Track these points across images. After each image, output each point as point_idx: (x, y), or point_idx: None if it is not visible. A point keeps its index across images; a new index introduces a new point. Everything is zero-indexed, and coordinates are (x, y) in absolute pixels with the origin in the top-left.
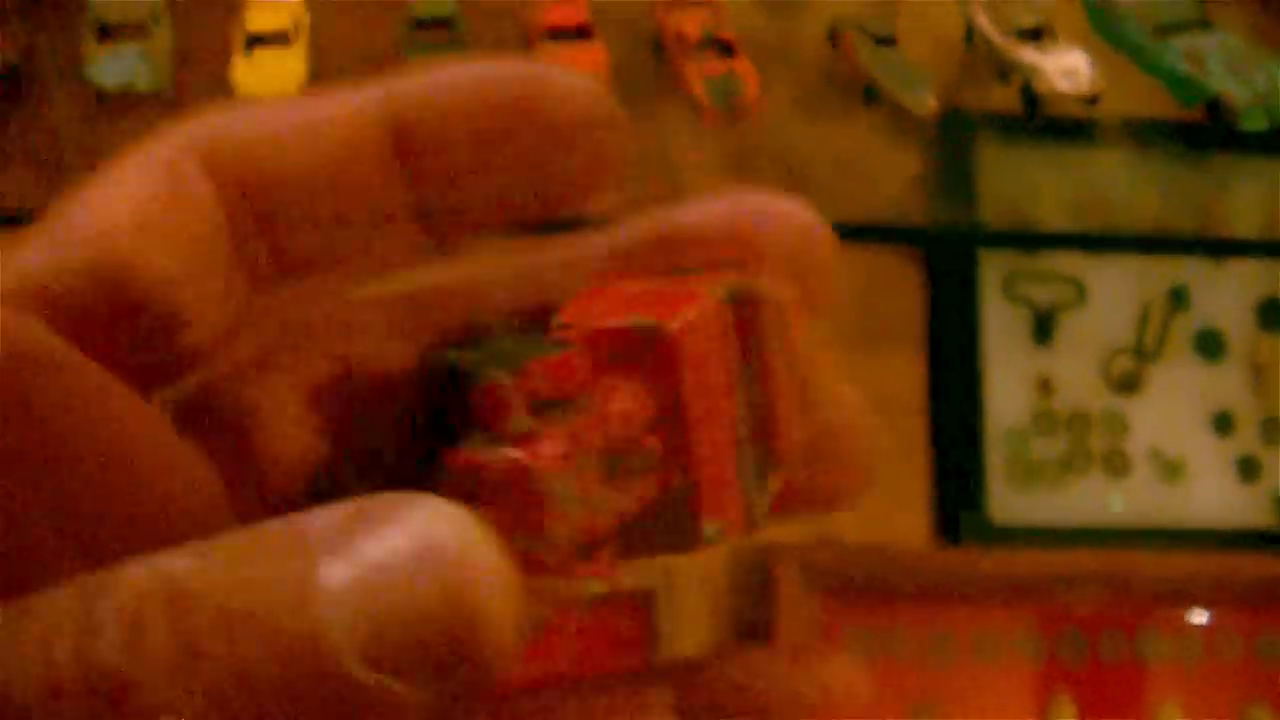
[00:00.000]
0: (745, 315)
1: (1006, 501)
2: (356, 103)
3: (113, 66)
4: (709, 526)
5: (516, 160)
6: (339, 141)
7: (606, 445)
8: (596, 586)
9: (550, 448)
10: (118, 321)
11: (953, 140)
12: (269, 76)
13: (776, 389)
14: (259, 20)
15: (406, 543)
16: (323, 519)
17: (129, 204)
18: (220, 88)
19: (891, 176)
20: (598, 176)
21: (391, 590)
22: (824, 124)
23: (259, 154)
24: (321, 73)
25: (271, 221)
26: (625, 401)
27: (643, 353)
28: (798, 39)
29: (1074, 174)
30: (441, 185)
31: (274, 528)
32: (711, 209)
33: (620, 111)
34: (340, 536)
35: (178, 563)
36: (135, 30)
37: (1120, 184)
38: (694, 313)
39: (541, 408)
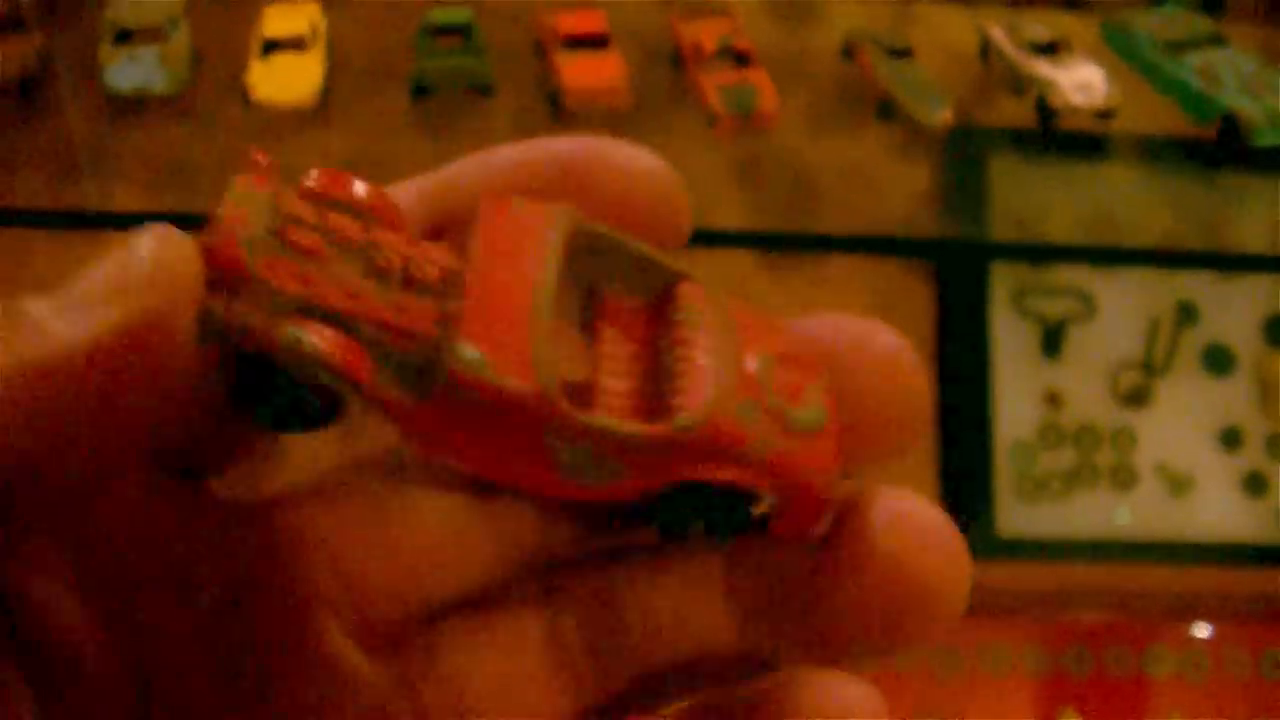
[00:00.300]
0: (666, 295)
1: (1014, 514)
2: (404, 194)
3: (129, 70)
4: (467, 348)
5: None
6: None
7: (365, 248)
8: (308, 341)
9: (263, 176)
10: (142, 371)
11: (964, 154)
12: (285, 81)
13: (685, 355)
14: (276, 25)
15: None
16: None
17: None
18: (237, 92)
19: (902, 189)
20: (658, 245)
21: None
22: (836, 136)
23: None
24: (338, 79)
25: None
26: (427, 249)
27: (462, 224)
28: (812, 51)
29: (1084, 189)
30: None
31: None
32: (809, 326)
33: (678, 179)
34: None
35: None
36: (152, 34)
37: (1130, 200)
38: (504, 200)
39: (312, 197)
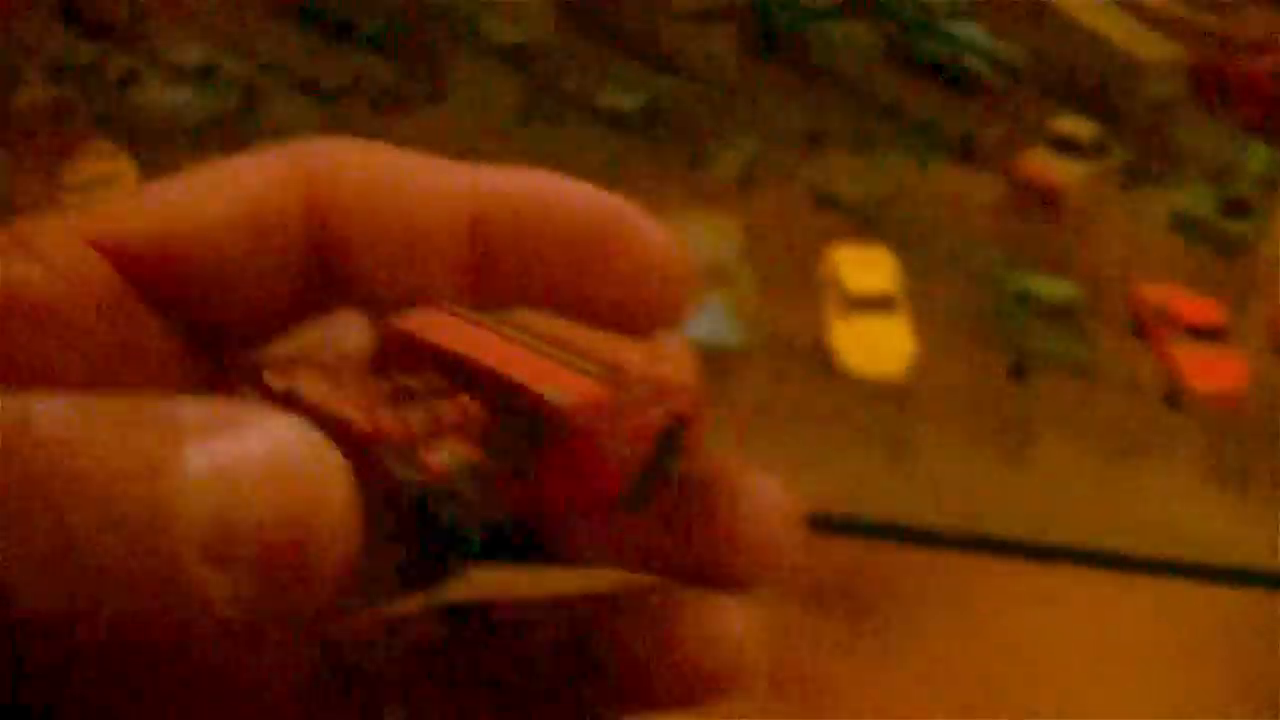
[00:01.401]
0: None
1: None
2: (448, 183)
3: (696, 320)
4: (546, 388)
5: (583, 286)
6: (422, 214)
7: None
8: (459, 457)
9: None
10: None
11: None
12: (875, 349)
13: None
14: (858, 279)
15: (266, 448)
16: (196, 408)
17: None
18: (803, 351)
19: None
20: (660, 317)
21: (246, 490)
22: None
23: (352, 192)
24: (922, 343)
25: (346, 255)
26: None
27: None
28: None
29: None
30: (506, 283)
31: (151, 403)
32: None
33: (690, 268)
34: (209, 428)
35: (42, 403)
36: (717, 275)
37: None
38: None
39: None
